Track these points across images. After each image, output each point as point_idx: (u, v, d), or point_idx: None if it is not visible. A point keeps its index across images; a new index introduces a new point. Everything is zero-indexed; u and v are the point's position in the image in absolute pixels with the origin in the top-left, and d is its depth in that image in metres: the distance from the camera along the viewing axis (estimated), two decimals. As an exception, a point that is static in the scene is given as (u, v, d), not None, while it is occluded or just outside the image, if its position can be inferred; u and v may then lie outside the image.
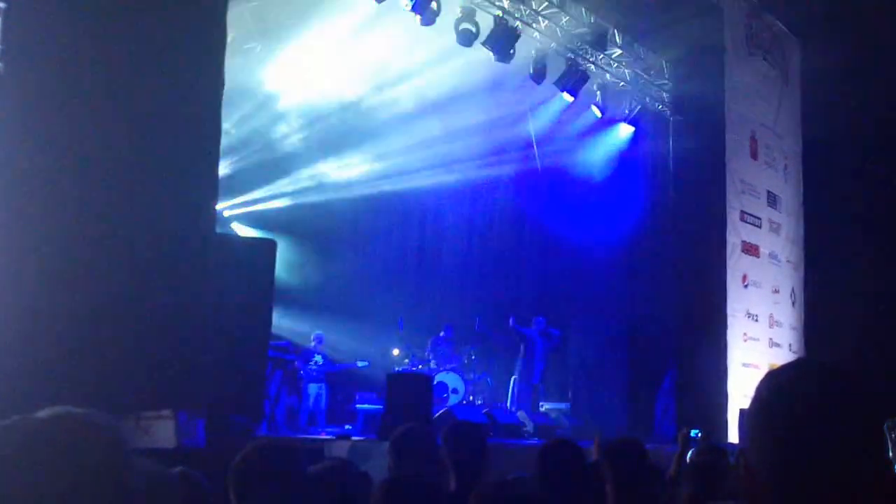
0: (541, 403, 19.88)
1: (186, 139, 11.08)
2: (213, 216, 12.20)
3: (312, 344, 17.90)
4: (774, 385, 2.24)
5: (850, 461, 2.12)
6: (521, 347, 19.85)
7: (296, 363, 17.47)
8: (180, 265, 10.88)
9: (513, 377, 19.98)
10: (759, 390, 2.26)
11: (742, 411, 14.22)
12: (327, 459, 6.04)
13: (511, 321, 19.69)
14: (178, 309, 10.70)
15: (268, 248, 14.24)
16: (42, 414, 2.20)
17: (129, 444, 2.26)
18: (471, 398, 19.41)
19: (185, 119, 11.08)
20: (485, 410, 17.78)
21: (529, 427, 17.85)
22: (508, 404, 19.65)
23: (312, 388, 17.29)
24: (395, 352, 19.54)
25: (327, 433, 15.95)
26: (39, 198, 9.55)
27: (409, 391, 13.61)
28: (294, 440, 13.36)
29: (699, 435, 10.51)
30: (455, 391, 19.15)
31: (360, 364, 18.41)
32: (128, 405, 9.92)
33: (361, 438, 13.03)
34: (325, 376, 17.79)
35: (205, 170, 11.53)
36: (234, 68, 13.64)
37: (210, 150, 11.64)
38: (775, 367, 2.33)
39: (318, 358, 17.52)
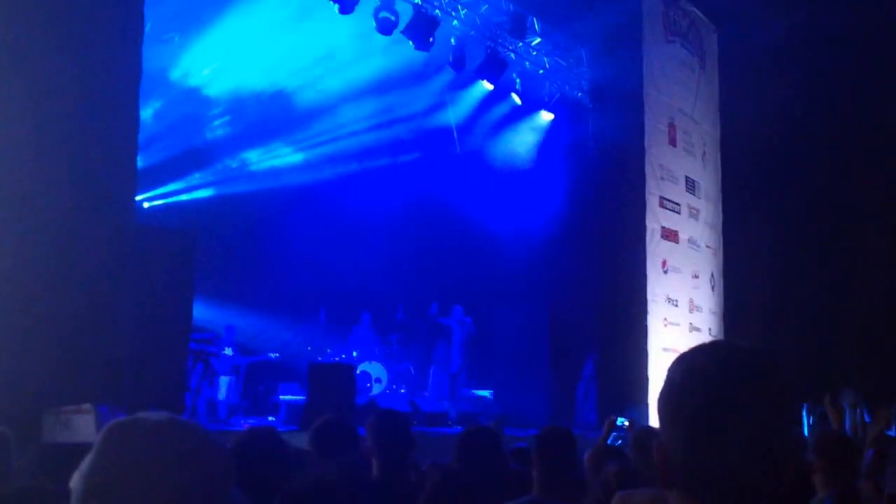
0: (463, 391, 19.92)
1: (103, 130, 10.98)
2: (133, 208, 12.10)
3: (222, 335, 17.76)
4: (685, 367, 2.25)
5: (760, 442, 2.14)
6: (440, 336, 19.86)
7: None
8: (98, 257, 10.79)
9: (432, 366, 19.99)
10: (670, 373, 2.28)
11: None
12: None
13: (432, 309, 19.71)
14: (97, 302, 10.62)
15: (188, 239, 14.14)
16: (153, 416, 2.22)
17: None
18: (394, 387, 19.40)
19: (102, 110, 10.98)
20: (409, 400, 17.80)
21: (453, 415, 17.90)
22: (428, 394, 19.65)
23: (223, 380, 17.17)
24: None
25: (249, 426, 15.84)
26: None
27: (332, 381, 13.61)
28: (223, 434, 13.29)
29: (625, 424, 10.56)
30: (378, 380, 19.14)
31: (271, 356, 18.29)
32: (47, 399, 9.83)
33: (283, 430, 12.94)
34: (235, 368, 17.67)
35: (123, 161, 11.43)
36: (153, 58, 13.53)
37: (128, 140, 11.53)
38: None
39: (227, 350, 17.38)
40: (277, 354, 18.46)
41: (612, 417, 9.83)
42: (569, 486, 5.76)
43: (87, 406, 9.94)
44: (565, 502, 5.48)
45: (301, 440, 10.95)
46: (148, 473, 2.10)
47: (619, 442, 9.79)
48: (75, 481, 2.16)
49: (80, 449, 6.65)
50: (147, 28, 11.97)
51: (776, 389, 2.19)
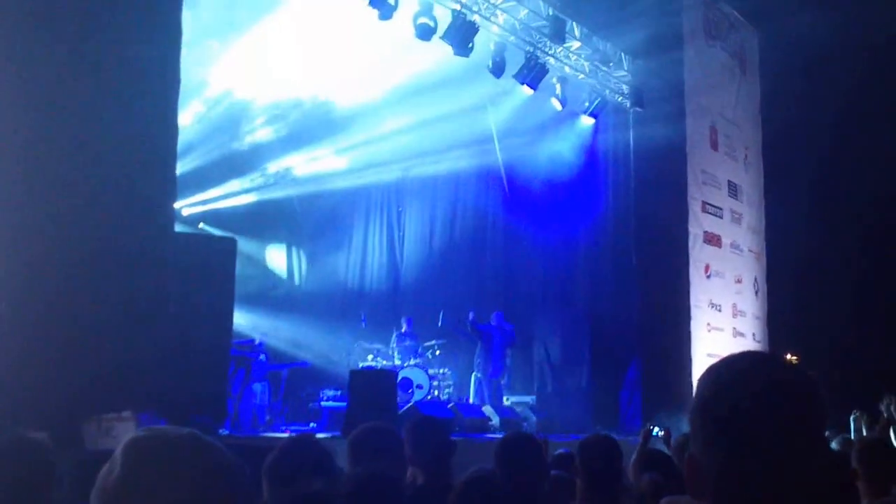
0: (505, 397, 19.83)
1: (142, 138, 10.98)
2: (172, 215, 12.11)
3: (257, 342, 17.76)
4: (714, 380, 2.24)
5: (792, 455, 2.11)
6: (480, 343, 19.79)
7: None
8: (138, 265, 10.78)
9: (473, 373, 19.91)
10: (700, 385, 2.26)
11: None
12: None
13: (470, 316, 19.65)
14: (137, 309, 10.61)
15: (228, 246, 14.18)
16: (174, 432, 2.28)
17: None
18: (435, 393, 19.35)
19: (141, 117, 10.98)
20: (450, 405, 17.74)
21: (495, 421, 17.81)
22: (472, 400, 19.58)
23: (257, 387, 17.19)
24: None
25: (291, 431, 15.85)
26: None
27: (373, 388, 13.56)
28: (260, 439, 13.31)
29: (660, 434, 10.52)
30: (420, 386, 19.08)
31: (302, 362, 18.30)
32: (88, 407, 9.85)
33: (326, 436, 12.94)
34: (276, 374, 17.68)
35: (162, 168, 11.44)
36: (192, 65, 13.57)
37: (167, 147, 11.55)
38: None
39: (261, 356, 17.40)
40: (307, 360, 18.47)
41: (649, 426, 9.78)
42: (612, 494, 5.69)
43: (127, 413, 9.94)
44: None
45: (343, 448, 10.98)
46: (164, 492, 2.13)
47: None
48: (93, 497, 2.14)
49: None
50: (186, 35, 11.98)
51: (803, 399, 2.18)
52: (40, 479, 4.38)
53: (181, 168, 13.50)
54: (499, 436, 15.77)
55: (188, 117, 17.79)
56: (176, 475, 2.14)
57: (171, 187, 11.76)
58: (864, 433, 11.05)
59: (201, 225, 19.79)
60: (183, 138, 13.78)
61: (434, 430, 6.02)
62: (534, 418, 18.83)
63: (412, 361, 19.37)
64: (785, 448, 2.10)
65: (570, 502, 5.89)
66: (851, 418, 11.72)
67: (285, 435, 14.86)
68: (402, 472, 5.74)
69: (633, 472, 6.82)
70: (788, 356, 24.14)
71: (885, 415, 10.59)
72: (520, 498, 5.57)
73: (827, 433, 2.29)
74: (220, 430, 13.25)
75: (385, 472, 4.90)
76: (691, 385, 19.46)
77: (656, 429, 10.53)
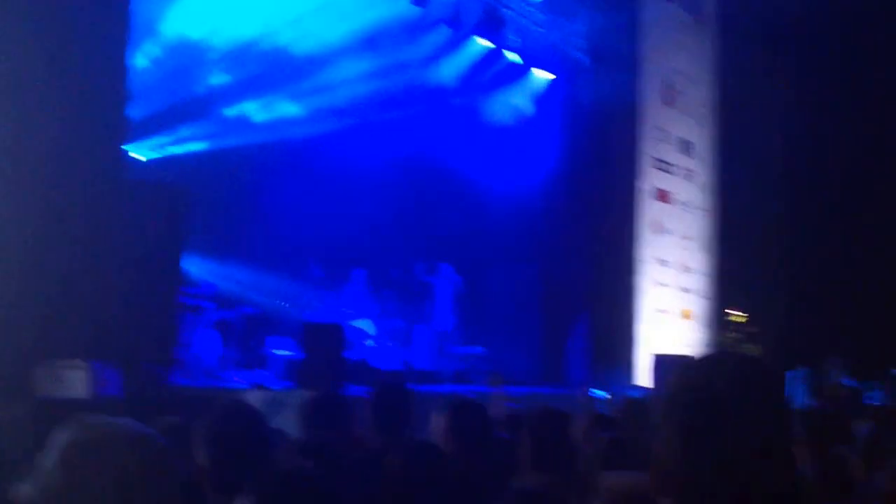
0: (455, 349, 19.94)
1: (89, 79, 10.88)
2: (121, 160, 12.02)
3: (205, 288, 17.69)
4: (682, 378, 2.28)
5: (755, 450, 2.17)
6: (425, 294, 19.86)
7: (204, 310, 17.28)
8: (89, 210, 10.72)
9: (417, 324, 19.99)
10: (668, 384, 2.31)
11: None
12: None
13: (417, 268, 19.71)
14: (87, 256, 10.58)
15: (179, 194, 14.11)
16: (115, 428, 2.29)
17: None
18: (387, 344, 19.40)
19: (89, 60, 10.87)
20: (403, 360, 17.83)
21: (446, 373, 17.95)
22: (414, 351, 19.64)
23: (214, 334, 17.16)
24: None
25: (240, 379, 15.88)
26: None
27: (324, 341, 13.57)
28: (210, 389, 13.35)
29: (608, 397, 10.64)
30: (370, 337, 19.13)
31: (248, 309, 18.27)
32: (38, 353, 9.83)
33: (277, 389, 12.98)
34: (226, 322, 17.65)
35: (110, 110, 11.34)
36: (145, 7, 13.45)
37: (115, 90, 11.44)
38: (689, 357, 2.37)
39: (212, 304, 17.34)
40: (253, 307, 18.45)
41: (585, 388, 9.84)
42: (558, 460, 5.73)
43: (79, 361, 9.94)
44: (555, 477, 5.45)
45: (294, 399, 11.01)
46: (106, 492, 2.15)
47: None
48: (31, 490, 2.17)
49: (77, 404, 6.70)
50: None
51: (772, 398, 2.24)
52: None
53: (135, 112, 13.40)
54: (447, 388, 15.99)
55: (144, 60, 17.65)
56: (116, 475, 2.16)
57: (120, 132, 11.69)
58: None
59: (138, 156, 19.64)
60: (138, 82, 13.68)
61: (395, 402, 6.05)
62: (482, 370, 18.92)
63: (362, 312, 19.41)
64: (748, 445, 2.16)
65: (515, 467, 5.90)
66: (797, 374, 11.88)
67: (237, 383, 14.95)
68: (352, 439, 5.78)
69: (584, 435, 6.85)
70: (735, 312, 24.42)
71: (832, 381, 10.75)
72: (462, 464, 5.60)
73: None
74: (170, 378, 13.27)
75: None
76: (638, 340, 19.68)
77: (600, 392, 10.62)
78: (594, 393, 10.00)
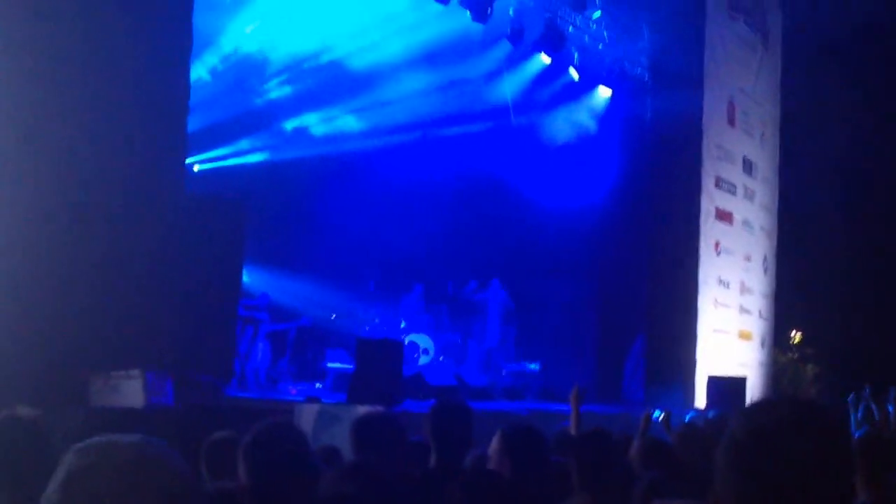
0: (509, 365, 19.91)
1: (153, 95, 10.98)
2: (182, 173, 12.09)
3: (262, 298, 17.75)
4: (748, 426, 2.24)
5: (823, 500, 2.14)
6: (477, 310, 19.84)
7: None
8: (149, 223, 10.80)
9: (469, 340, 19.96)
10: (732, 430, 2.26)
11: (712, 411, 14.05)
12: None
13: (471, 285, 19.71)
14: (147, 268, 10.66)
15: (237, 207, 14.19)
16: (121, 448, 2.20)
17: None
18: (441, 358, 19.40)
19: (152, 75, 10.95)
20: (455, 374, 17.80)
21: (498, 390, 17.90)
22: (469, 368, 19.61)
23: (271, 346, 17.25)
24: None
25: (296, 391, 15.92)
26: (2, 163, 9.43)
27: (379, 356, 13.55)
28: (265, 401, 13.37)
29: (660, 417, 10.45)
30: (426, 351, 19.13)
31: (301, 321, 18.29)
32: (96, 364, 9.90)
33: (330, 402, 12.97)
34: (283, 334, 17.72)
35: (173, 125, 11.43)
36: (206, 21, 13.54)
37: (178, 105, 11.54)
38: (749, 405, 2.31)
39: (268, 316, 17.42)
40: (306, 318, 18.47)
41: (648, 411, 9.71)
42: (608, 483, 5.68)
43: (135, 372, 10.01)
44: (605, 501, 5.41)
45: (348, 414, 11.01)
46: None
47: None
48: None
49: (128, 413, 6.73)
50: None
51: (839, 450, 2.20)
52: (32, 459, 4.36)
53: (195, 124, 13.48)
54: (500, 405, 15.95)
55: (205, 72, 17.77)
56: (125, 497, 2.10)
57: (182, 145, 11.77)
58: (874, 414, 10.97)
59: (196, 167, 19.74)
60: (198, 93, 13.76)
61: (453, 420, 6.01)
62: (536, 387, 18.86)
63: (419, 326, 19.42)
64: (815, 495, 2.13)
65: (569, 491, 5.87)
66: (852, 398, 11.67)
67: (291, 395, 14.99)
68: (404, 461, 5.75)
69: (639, 462, 6.77)
70: (794, 333, 24.21)
71: (890, 404, 10.55)
72: (517, 488, 5.57)
73: None
74: (227, 390, 13.34)
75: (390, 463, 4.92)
76: (696, 360, 19.53)
77: (657, 412, 10.48)
78: (653, 414, 9.82)
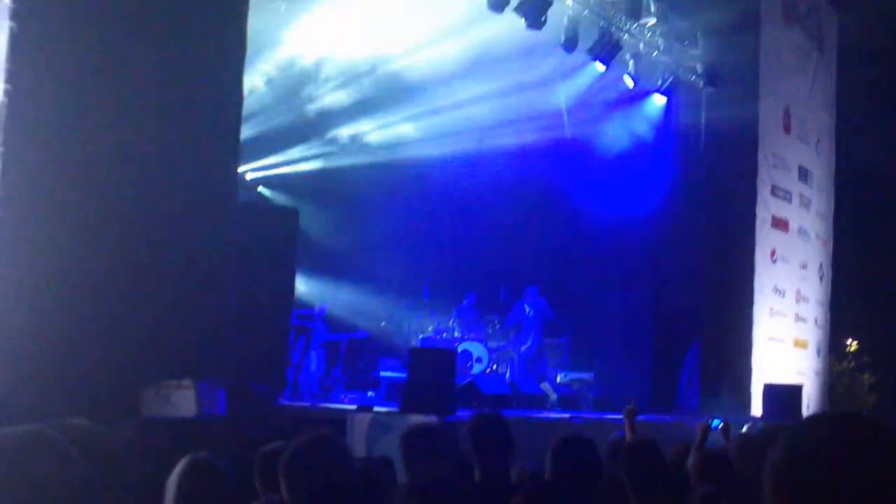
0: (561, 374, 19.86)
1: (207, 105, 11.00)
2: (235, 182, 12.11)
3: (317, 309, 17.77)
4: (788, 444, 2.13)
5: None
6: (514, 319, 19.77)
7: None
8: (202, 233, 10.82)
9: (519, 348, 19.85)
10: (782, 446, 2.14)
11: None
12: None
13: (501, 293, 19.66)
14: (200, 278, 10.66)
15: (290, 216, 14.23)
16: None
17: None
18: (494, 367, 19.35)
19: (206, 85, 10.98)
20: (510, 381, 17.73)
21: (553, 398, 17.81)
22: (507, 376, 19.50)
23: (324, 355, 17.29)
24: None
25: (349, 400, 15.93)
26: (59, 169, 9.46)
27: (433, 366, 13.51)
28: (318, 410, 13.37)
29: (720, 426, 10.31)
30: (479, 360, 19.10)
31: (359, 333, 18.30)
32: (148, 374, 9.92)
33: (383, 410, 12.95)
34: (336, 343, 17.75)
35: (227, 135, 11.44)
36: (259, 28, 13.56)
37: (232, 115, 11.55)
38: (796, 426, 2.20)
39: (321, 325, 17.45)
40: (364, 331, 18.49)
41: (707, 421, 9.60)
42: (664, 497, 5.62)
43: (187, 381, 10.01)
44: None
45: (401, 424, 10.99)
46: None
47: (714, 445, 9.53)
48: None
49: (180, 423, 6.74)
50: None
51: (882, 471, 2.05)
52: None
53: (248, 132, 13.53)
54: (555, 414, 15.88)
55: (258, 80, 17.85)
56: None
57: (234, 154, 11.76)
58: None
59: (260, 188, 19.84)
60: (252, 101, 13.79)
61: (493, 428, 5.96)
62: (591, 396, 18.76)
63: (472, 335, 19.39)
64: None
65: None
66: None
67: (344, 404, 14.99)
68: (456, 475, 5.71)
69: (695, 473, 6.69)
70: (850, 341, 23.99)
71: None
72: (573, 500, 5.52)
73: None
74: (279, 399, 13.36)
75: (441, 477, 4.88)
76: (751, 370, 19.39)
77: (715, 421, 10.35)
78: (712, 423, 9.69)
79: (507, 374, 19.50)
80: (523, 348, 19.48)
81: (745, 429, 10.77)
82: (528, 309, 19.51)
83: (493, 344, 19.68)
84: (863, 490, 2.01)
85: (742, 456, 6.98)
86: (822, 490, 2.04)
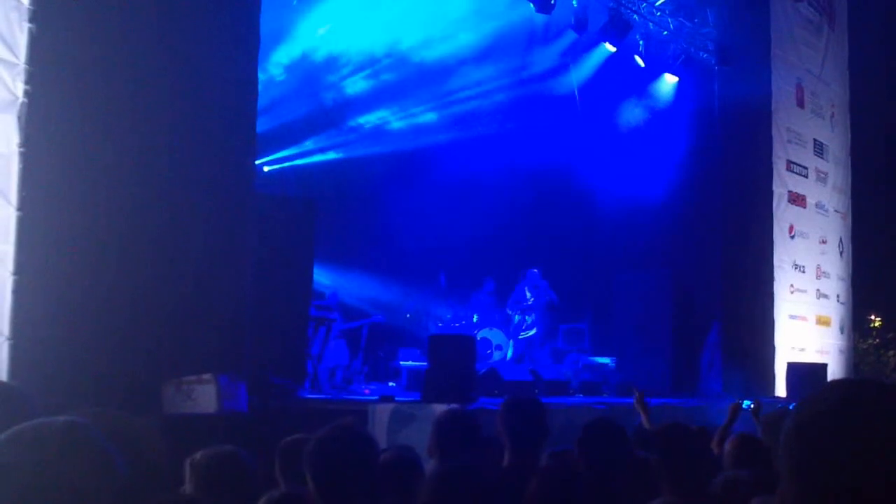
0: (585, 359, 19.78)
1: (222, 98, 11.00)
2: (253, 175, 12.07)
3: (329, 296, 17.72)
4: (798, 412, 2.04)
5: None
6: (518, 303, 19.68)
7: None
8: (219, 226, 10.81)
9: (517, 334, 19.76)
10: (795, 416, 2.04)
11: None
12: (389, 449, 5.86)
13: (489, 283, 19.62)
14: (218, 272, 10.64)
15: (307, 207, 14.19)
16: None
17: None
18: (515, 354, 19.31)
19: (220, 77, 10.97)
20: (530, 369, 17.65)
21: (574, 384, 17.76)
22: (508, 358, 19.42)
23: (344, 346, 17.25)
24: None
25: (370, 391, 15.88)
26: (79, 167, 9.45)
27: (453, 352, 13.44)
28: (339, 401, 13.31)
29: (751, 406, 10.19)
30: (499, 347, 19.04)
31: (374, 318, 18.22)
32: (168, 369, 9.90)
33: (405, 401, 12.88)
34: (356, 333, 17.69)
35: (243, 127, 11.43)
36: (272, 20, 13.56)
37: (247, 107, 11.53)
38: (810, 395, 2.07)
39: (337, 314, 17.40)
40: (379, 315, 18.42)
41: (738, 401, 9.51)
42: (697, 479, 5.51)
43: (207, 376, 9.97)
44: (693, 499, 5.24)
45: (423, 413, 10.94)
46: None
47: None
48: None
49: (202, 419, 6.64)
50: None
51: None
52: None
53: (264, 125, 13.50)
54: (578, 399, 15.79)
55: (274, 73, 17.87)
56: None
57: (251, 146, 11.74)
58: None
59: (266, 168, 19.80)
60: (267, 95, 13.75)
61: (530, 412, 5.93)
62: (613, 382, 18.67)
63: (491, 322, 19.34)
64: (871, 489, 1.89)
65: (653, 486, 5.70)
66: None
67: (365, 395, 14.93)
68: (488, 459, 5.67)
69: (727, 459, 6.56)
70: (873, 317, 23.85)
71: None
72: (600, 485, 5.45)
73: None
74: (300, 392, 13.31)
75: (470, 461, 4.82)
76: (774, 348, 19.29)
77: (746, 402, 10.24)
78: (743, 403, 9.58)
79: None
80: (523, 335, 19.39)
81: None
82: (528, 294, 19.42)
83: (513, 330, 19.61)
84: (873, 450, 1.91)
85: (773, 430, 6.86)
86: (831, 453, 1.93)
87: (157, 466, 3.41)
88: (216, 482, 4.42)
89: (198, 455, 4.56)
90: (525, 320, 19.32)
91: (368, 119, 20.84)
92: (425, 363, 15.04)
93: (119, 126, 9.81)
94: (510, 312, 19.43)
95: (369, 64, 19.69)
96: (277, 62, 18.13)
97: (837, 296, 21.95)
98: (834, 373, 19.96)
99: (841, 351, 21.89)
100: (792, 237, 20.48)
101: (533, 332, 19.45)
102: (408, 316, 19.68)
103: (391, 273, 19.79)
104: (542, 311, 19.51)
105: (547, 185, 21.70)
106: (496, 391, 14.02)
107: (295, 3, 17.71)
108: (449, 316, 19.40)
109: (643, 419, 9.01)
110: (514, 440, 5.73)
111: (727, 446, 6.70)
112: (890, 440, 1.90)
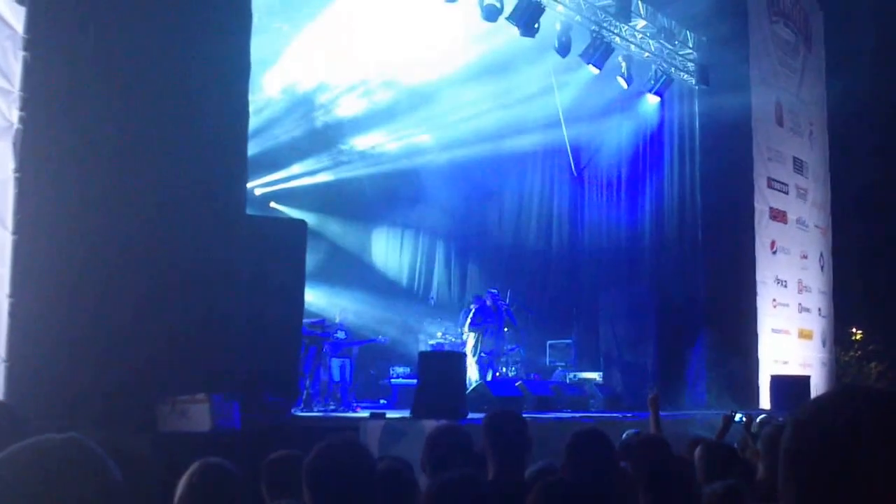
0: (570, 375, 19.95)
1: (213, 122, 11.09)
2: (244, 196, 12.25)
3: (337, 319, 17.90)
4: (793, 419, 1.98)
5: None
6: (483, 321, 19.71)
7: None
8: (211, 248, 10.92)
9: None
10: (794, 426, 1.97)
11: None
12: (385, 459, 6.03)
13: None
14: (210, 292, 10.77)
15: (298, 228, 14.38)
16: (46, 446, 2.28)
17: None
18: (503, 370, 19.48)
19: (212, 103, 11.11)
20: (518, 383, 17.84)
21: (560, 398, 17.91)
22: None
23: (335, 363, 17.42)
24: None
25: (361, 408, 16.09)
26: (72, 191, 9.62)
27: (442, 369, 13.68)
28: (331, 419, 13.50)
29: (743, 419, 10.32)
30: (490, 364, 19.21)
31: (381, 339, 18.39)
32: (162, 389, 10.02)
33: (396, 416, 13.10)
34: (347, 351, 17.88)
35: (233, 151, 11.55)
36: (263, 48, 13.79)
37: (238, 131, 11.66)
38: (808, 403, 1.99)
39: (340, 334, 17.57)
40: (386, 338, 18.59)
41: (731, 412, 9.61)
42: (674, 492, 5.66)
43: (201, 395, 10.10)
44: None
45: (413, 429, 11.16)
46: None
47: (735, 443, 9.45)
48: None
49: (196, 437, 6.82)
50: (255, 20, 12.10)
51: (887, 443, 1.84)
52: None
53: (255, 148, 13.69)
54: (565, 414, 16.02)
55: (266, 97, 18.12)
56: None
57: (242, 169, 11.86)
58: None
59: (272, 204, 20.03)
60: (258, 119, 13.96)
61: (509, 426, 6.03)
62: (601, 396, 18.87)
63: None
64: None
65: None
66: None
67: (357, 413, 15.15)
68: (481, 472, 5.77)
69: (701, 467, 6.60)
70: (854, 330, 24.13)
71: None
72: (589, 496, 5.59)
73: None
74: (292, 410, 13.49)
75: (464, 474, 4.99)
76: (758, 361, 19.56)
77: (738, 415, 10.38)
78: (734, 416, 9.71)
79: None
80: (482, 356, 19.41)
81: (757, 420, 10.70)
82: (485, 314, 19.32)
83: (502, 347, 19.72)
84: (865, 455, 1.83)
85: (773, 445, 6.90)
86: (827, 459, 1.87)
87: (146, 484, 3.53)
88: (202, 491, 4.52)
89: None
90: (484, 341, 19.30)
91: (355, 143, 21.05)
92: (415, 380, 15.26)
93: (111, 151, 9.90)
94: (469, 331, 19.34)
95: (354, 90, 19.91)
96: (270, 87, 18.37)
97: (819, 309, 22.23)
98: (817, 385, 20.19)
99: (823, 363, 22.17)
100: (774, 252, 20.78)
101: (489, 351, 19.42)
102: (404, 333, 19.84)
103: (382, 292, 19.99)
104: (500, 332, 19.58)
105: (533, 206, 21.96)
106: (485, 407, 14.21)
107: (284, 29, 17.95)
108: (439, 334, 19.58)
109: (651, 423, 9.00)
110: (497, 454, 5.81)
111: (696, 453, 6.76)
112: (876, 441, 1.84)
